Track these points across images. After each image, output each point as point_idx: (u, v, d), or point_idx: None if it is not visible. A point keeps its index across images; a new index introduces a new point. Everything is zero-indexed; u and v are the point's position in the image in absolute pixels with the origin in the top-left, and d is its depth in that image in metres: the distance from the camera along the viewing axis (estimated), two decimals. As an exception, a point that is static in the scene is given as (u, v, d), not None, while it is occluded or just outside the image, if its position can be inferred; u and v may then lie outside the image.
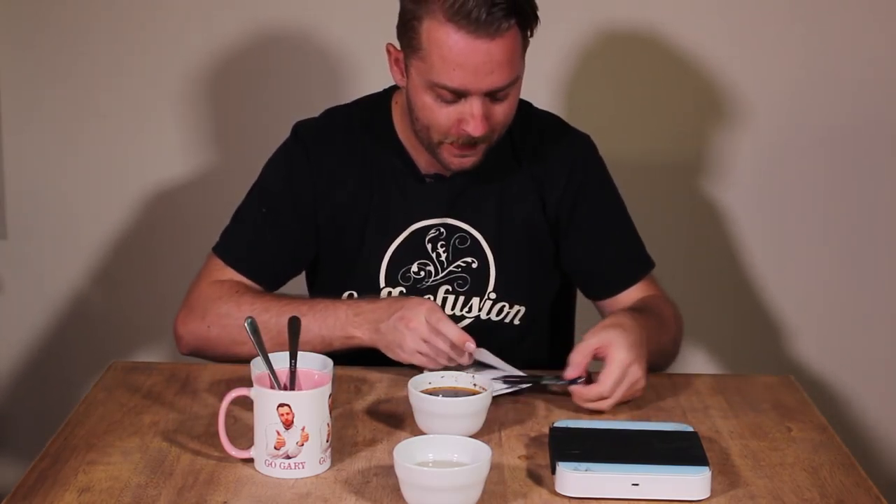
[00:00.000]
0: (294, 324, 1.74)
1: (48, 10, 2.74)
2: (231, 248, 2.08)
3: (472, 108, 1.92)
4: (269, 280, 2.08)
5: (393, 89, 2.12)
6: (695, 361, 2.82)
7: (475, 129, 1.93)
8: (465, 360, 1.91)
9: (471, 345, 1.89)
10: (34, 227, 2.85)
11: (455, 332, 1.89)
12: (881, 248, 2.83)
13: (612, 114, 2.77)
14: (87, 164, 2.81)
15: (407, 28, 1.93)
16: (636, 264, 2.15)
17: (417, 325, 1.90)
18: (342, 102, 2.18)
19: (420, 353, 1.90)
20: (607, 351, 1.84)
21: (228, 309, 1.99)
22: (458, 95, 1.92)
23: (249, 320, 1.72)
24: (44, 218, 2.84)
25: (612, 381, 1.83)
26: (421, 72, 1.93)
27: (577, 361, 1.86)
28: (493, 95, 1.93)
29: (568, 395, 1.88)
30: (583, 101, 2.75)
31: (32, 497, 1.57)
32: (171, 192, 2.83)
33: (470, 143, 1.96)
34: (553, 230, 2.12)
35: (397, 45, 1.98)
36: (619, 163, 2.70)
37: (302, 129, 2.12)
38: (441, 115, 1.94)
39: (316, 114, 2.15)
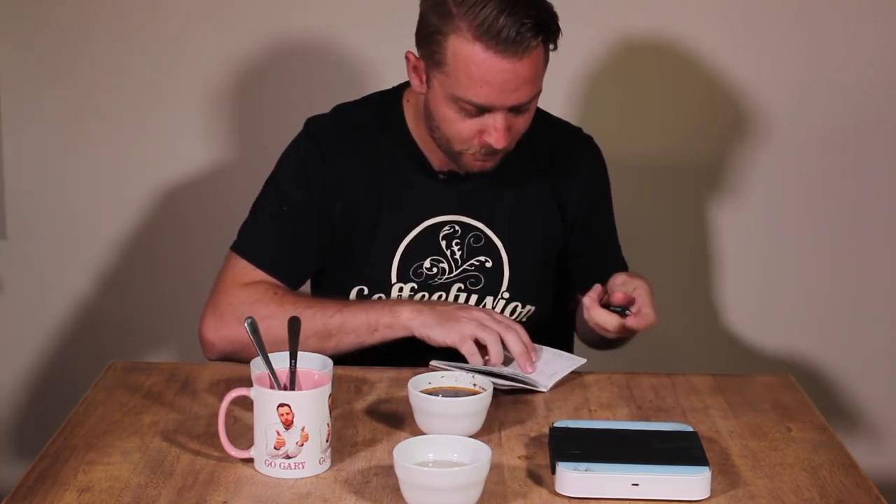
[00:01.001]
0: (294, 324, 1.74)
1: (48, 10, 2.74)
2: (256, 247, 2.07)
3: (496, 121, 1.94)
4: (293, 278, 2.08)
5: (402, 87, 2.12)
6: (695, 361, 2.82)
7: (497, 141, 1.94)
8: (530, 369, 1.94)
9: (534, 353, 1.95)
10: (34, 227, 2.85)
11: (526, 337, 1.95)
12: (882, 248, 2.83)
13: (620, 115, 2.77)
14: (87, 164, 2.81)
15: (430, 41, 1.93)
16: (620, 267, 2.22)
17: (481, 312, 1.96)
18: (347, 101, 2.18)
19: (477, 328, 1.92)
20: (634, 285, 1.99)
21: (271, 310, 1.97)
22: (482, 110, 1.93)
23: (249, 320, 1.72)
24: (44, 218, 2.84)
25: (649, 301, 1.97)
26: (444, 85, 1.93)
27: (620, 295, 1.98)
28: (515, 109, 1.94)
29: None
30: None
31: (32, 497, 1.57)
32: (171, 192, 2.83)
33: (491, 153, 1.98)
34: (568, 232, 2.16)
35: (415, 51, 1.98)
36: (627, 163, 2.72)
37: (314, 127, 2.12)
38: (463, 128, 1.95)
39: (319, 113, 2.15)
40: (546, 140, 2.11)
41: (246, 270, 2.05)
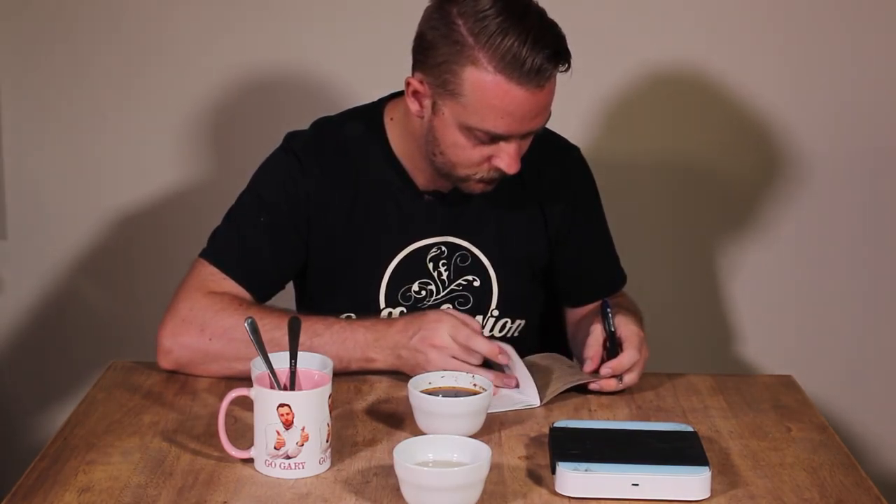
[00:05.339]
0: (294, 324, 1.73)
1: (48, 11, 2.74)
2: (226, 255, 2.01)
3: (511, 148, 1.91)
4: (261, 290, 2.03)
5: (383, 102, 2.08)
6: (695, 361, 2.82)
7: (510, 167, 1.92)
8: (502, 360, 1.91)
9: (503, 357, 1.90)
10: (34, 227, 2.85)
11: (486, 346, 1.89)
12: (883, 246, 2.84)
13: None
14: (88, 165, 2.81)
15: (441, 70, 1.88)
16: (616, 278, 2.20)
17: (443, 343, 1.89)
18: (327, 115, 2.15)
19: (448, 367, 1.88)
20: (619, 331, 1.94)
21: (235, 321, 1.91)
22: (496, 138, 1.90)
23: (249, 320, 1.72)
24: (44, 218, 2.84)
25: (634, 349, 1.91)
26: (457, 114, 1.89)
27: (595, 351, 1.93)
28: (528, 133, 1.92)
29: (580, 391, 1.90)
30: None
31: (32, 497, 1.57)
32: (171, 192, 2.83)
33: (497, 177, 1.95)
34: (552, 247, 2.13)
35: (413, 75, 1.93)
36: (628, 164, 2.72)
37: (294, 142, 2.07)
38: (474, 154, 1.92)
39: (307, 124, 2.12)
40: (531, 154, 2.01)
41: (213, 278, 1.99)
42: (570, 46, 1.89)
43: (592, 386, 1.92)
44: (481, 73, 1.85)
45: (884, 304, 2.86)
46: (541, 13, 1.88)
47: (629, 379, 1.92)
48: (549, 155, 2.11)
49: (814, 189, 2.81)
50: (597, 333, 1.95)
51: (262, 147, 2.17)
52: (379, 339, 1.94)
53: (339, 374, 1.91)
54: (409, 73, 1.95)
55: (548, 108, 1.91)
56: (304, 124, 2.13)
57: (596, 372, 1.92)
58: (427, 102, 1.93)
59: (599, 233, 2.19)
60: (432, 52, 1.89)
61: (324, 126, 2.10)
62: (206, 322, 1.94)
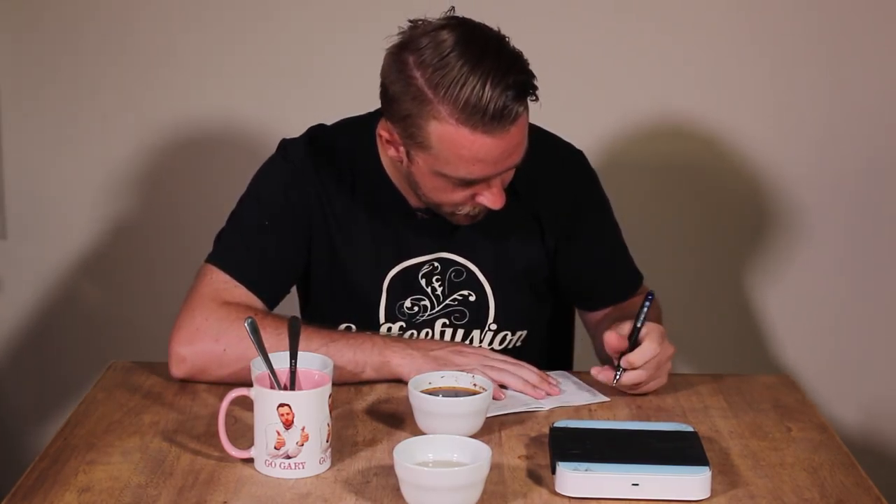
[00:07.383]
0: (294, 324, 1.73)
1: (48, 11, 2.75)
2: (237, 261, 1.99)
3: (492, 187, 1.89)
4: (272, 294, 2.01)
5: (375, 117, 2.01)
6: (695, 361, 2.82)
7: (494, 203, 1.90)
8: (554, 391, 1.91)
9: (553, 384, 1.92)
10: (34, 227, 2.85)
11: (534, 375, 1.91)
12: (881, 248, 2.84)
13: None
14: (88, 165, 2.82)
15: (406, 123, 1.85)
16: (630, 280, 2.15)
17: (484, 352, 1.94)
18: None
19: (488, 370, 1.89)
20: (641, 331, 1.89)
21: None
22: (475, 183, 1.88)
23: (250, 320, 1.72)
24: (44, 218, 2.84)
25: (655, 342, 1.86)
26: (430, 164, 1.87)
27: (618, 340, 1.88)
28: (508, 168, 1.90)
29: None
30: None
31: (32, 497, 1.57)
32: (170, 192, 2.83)
33: (484, 210, 1.94)
34: (551, 256, 2.09)
35: (386, 125, 1.90)
36: (629, 165, 2.72)
37: (290, 151, 2.05)
38: (456, 196, 1.90)
39: (302, 128, 2.10)
40: (525, 163, 1.93)
41: (226, 285, 1.97)
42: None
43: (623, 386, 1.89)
44: (444, 126, 1.81)
45: (884, 304, 2.86)
46: (499, 46, 1.83)
47: (639, 374, 1.88)
48: (544, 162, 2.05)
49: (812, 191, 2.81)
50: (626, 327, 1.90)
51: (260, 151, 2.18)
52: (399, 342, 1.95)
53: (350, 384, 1.93)
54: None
55: (522, 144, 1.87)
56: (303, 127, 2.12)
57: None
58: (402, 150, 1.90)
59: (608, 236, 2.14)
60: (396, 105, 1.86)
61: (318, 137, 2.07)
62: (222, 331, 1.92)
